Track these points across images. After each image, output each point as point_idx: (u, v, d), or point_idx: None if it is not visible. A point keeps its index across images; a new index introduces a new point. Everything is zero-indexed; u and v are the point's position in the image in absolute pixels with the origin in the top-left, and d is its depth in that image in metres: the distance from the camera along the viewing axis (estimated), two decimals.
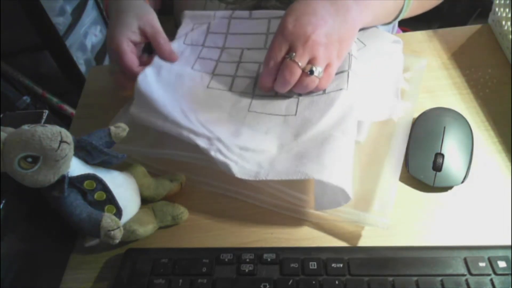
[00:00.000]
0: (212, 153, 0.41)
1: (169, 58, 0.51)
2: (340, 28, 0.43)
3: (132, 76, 0.47)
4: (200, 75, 0.51)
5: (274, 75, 0.44)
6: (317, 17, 0.42)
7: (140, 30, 0.50)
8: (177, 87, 0.48)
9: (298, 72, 0.42)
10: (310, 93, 0.45)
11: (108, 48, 0.50)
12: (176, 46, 0.53)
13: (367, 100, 0.46)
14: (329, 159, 0.38)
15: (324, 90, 0.45)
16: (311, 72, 0.42)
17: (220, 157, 0.40)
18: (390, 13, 0.51)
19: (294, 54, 0.42)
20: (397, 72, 0.50)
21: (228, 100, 0.47)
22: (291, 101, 0.46)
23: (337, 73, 0.45)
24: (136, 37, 0.49)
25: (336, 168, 0.37)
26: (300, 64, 0.42)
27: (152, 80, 0.47)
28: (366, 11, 0.46)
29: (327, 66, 0.43)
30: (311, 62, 0.43)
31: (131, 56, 0.48)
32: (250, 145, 0.42)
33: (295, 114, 0.44)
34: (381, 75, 0.49)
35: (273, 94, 0.47)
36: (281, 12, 0.51)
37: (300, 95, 0.46)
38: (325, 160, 0.38)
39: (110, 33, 0.50)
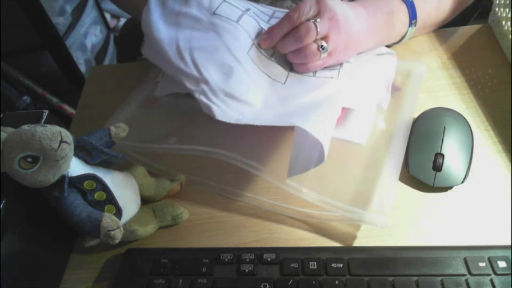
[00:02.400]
0: (197, 94, 0.42)
1: None
2: (354, 36, 0.45)
3: None
4: None
5: (285, 32, 0.44)
6: (346, 10, 0.44)
7: None
8: (180, 16, 0.45)
9: (313, 37, 0.43)
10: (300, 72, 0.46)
11: None
12: None
13: (356, 88, 0.46)
14: (314, 116, 0.39)
15: (315, 74, 0.46)
16: (322, 46, 0.43)
17: (203, 99, 0.41)
18: (391, 40, 0.53)
19: (319, 20, 0.42)
20: (389, 71, 0.50)
21: (231, 33, 0.45)
22: (282, 71, 0.46)
23: (329, 68, 0.46)
24: None
25: (320, 124, 0.38)
26: (318, 30, 0.42)
27: (156, 16, 0.45)
28: (373, 38, 0.49)
29: (328, 53, 0.44)
30: (324, 39, 0.43)
31: None
32: (235, 93, 0.42)
33: (284, 83, 0.45)
34: (373, 72, 0.50)
35: (269, 56, 0.46)
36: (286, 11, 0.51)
37: (291, 69, 0.46)
38: (311, 116, 0.39)
39: None
